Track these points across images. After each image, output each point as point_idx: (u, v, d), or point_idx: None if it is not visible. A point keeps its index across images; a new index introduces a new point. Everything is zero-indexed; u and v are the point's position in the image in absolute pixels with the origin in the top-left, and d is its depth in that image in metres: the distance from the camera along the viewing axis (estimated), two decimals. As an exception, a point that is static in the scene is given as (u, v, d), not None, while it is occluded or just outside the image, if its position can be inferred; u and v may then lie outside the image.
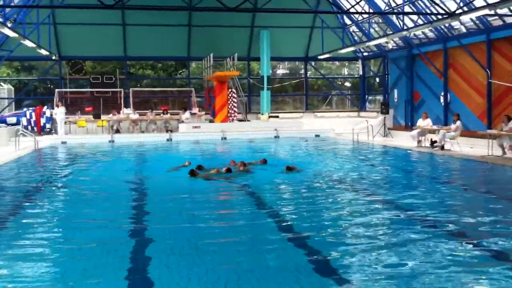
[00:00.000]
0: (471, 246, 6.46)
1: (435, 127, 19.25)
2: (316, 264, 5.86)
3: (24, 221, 8.12)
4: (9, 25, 21.62)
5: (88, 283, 5.34)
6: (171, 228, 7.63)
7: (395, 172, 13.93)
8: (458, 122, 17.71)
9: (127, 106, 27.98)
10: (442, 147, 17.77)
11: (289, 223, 7.87)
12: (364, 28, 27.51)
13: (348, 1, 26.18)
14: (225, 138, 24.10)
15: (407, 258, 5.94)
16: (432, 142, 18.38)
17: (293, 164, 13.52)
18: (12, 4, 22.36)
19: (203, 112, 28.30)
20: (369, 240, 6.73)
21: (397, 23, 23.83)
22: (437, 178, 12.56)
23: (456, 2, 18.99)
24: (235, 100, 27.39)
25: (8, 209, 9.00)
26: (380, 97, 30.56)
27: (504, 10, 17.58)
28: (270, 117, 28.84)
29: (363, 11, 24.33)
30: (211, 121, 27.13)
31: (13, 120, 25.06)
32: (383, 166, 15.12)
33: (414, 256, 6.02)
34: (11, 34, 18.55)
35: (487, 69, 19.46)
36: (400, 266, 5.69)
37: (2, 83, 29.42)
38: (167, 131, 25.67)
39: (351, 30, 29.45)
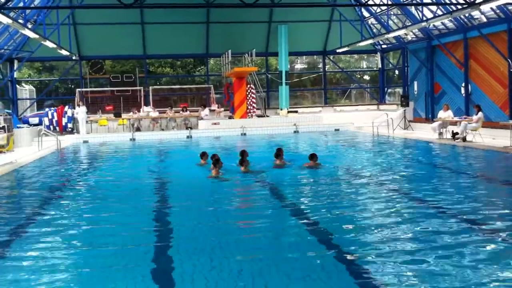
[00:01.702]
0: (497, 239, 6.39)
1: (456, 118, 19.06)
2: (340, 261, 5.85)
3: (47, 221, 8.21)
4: (29, 26, 21.95)
5: (112, 280, 5.42)
6: (193, 225, 7.71)
7: (418, 165, 13.79)
8: (480, 113, 17.51)
9: (147, 104, 28.19)
10: (464, 139, 17.58)
11: (312, 219, 7.84)
12: (382, 20, 27.28)
13: (366, -6, 25.99)
14: (244, 134, 24.15)
15: (434, 254, 5.89)
16: (454, 134, 18.19)
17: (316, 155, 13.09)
18: (32, 5, 22.64)
19: (222, 109, 28.40)
20: (395, 236, 6.67)
21: (416, 14, 23.59)
22: (460, 171, 12.45)
23: (476, -8, 18.75)
24: (253, 96, 27.41)
25: (32, 209, 9.14)
26: (399, 90, 30.32)
27: (526, -2, 17.29)
28: (289, 112, 28.80)
29: (381, 3, 24.15)
30: (230, 118, 27.19)
31: (36, 120, 25.42)
32: (406, 159, 15.00)
33: (442, 251, 5.96)
34: (32, 35, 18.78)
35: (508, 59, 19.17)
36: (426, 262, 5.66)
37: (23, 84, 29.85)
38: (186, 128, 25.79)
39: (369, 23, 29.23)
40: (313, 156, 12.69)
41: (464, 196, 9.15)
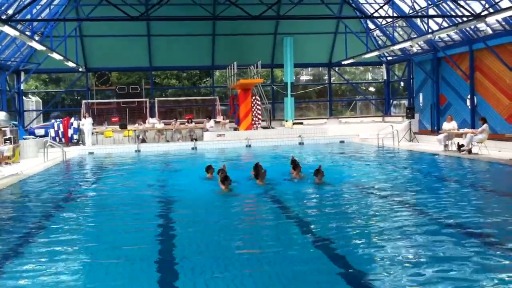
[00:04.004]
0: (504, 253, 6.33)
1: (461, 130, 18.99)
2: (344, 273, 5.83)
3: (51, 232, 8.17)
4: (36, 38, 22.11)
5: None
6: (198, 236, 7.67)
7: (425, 178, 13.61)
8: (485, 125, 17.42)
9: (152, 115, 28.30)
10: (470, 151, 17.50)
11: (317, 231, 7.81)
12: (388, 32, 27.35)
13: (371, 6, 26.07)
14: (249, 146, 24.14)
15: (439, 267, 5.85)
16: (459, 146, 18.12)
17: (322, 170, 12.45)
18: (40, 18, 22.82)
19: (228, 120, 28.45)
20: (403, 250, 6.61)
21: (422, 26, 23.64)
22: (466, 183, 12.35)
23: (481, 4, 18.77)
24: (259, 107, 27.46)
25: (37, 220, 9.12)
26: (405, 102, 30.31)
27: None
28: (294, 123, 28.81)
29: (386, 15, 24.19)
30: (235, 129, 27.22)
31: (42, 131, 25.55)
32: (412, 172, 14.88)
33: (447, 265, 5.91)
34: (39, 47, 18.91)
35: (514, 71, 19.17)
36: (430, 274, 5.62)
37: (30, 96, 30.01)
38: (192, 139, 25.84)
39: (374, 35, 29.31)
40: (318, 172, 12.11)
41: (471, 209, 9.05)
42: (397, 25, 26.85)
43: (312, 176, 12.21)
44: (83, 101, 28.07)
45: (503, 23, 19.42)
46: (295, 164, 12.92)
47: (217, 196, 11.09)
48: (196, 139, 25.74)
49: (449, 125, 19.32)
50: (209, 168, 13.28)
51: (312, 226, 8.28)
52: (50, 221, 9.01)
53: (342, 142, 25.36)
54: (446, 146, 19.16)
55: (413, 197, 10.57)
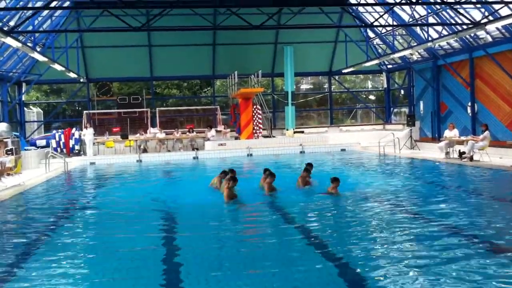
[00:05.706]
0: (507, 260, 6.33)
1: (462, 137, 19.01)
2: (348, 282, 5.82)
3: (54, 243, 8.18)
4: (38, 49, 22.18)
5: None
6: (200, 247, 7.65)
7: (427, 185, 13.61)
8: (486, 132, 17.44)
9: (153, 125, 28.33)
10: (471, 158, 17.50)
11: (321, 240, 7.79)
12: (388, 41, 27.42)
13: (371, 15, 26.16)
14: (251, 155, 24.15)
15: (442, 276, 5.83)
16: (461, 154, 18.12)
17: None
18: (41, 29, 22.91)
19: (229, 129, 28.46)
20: (408, 259, 6.56)
21: (422, 35, 23.71)
22: (469, 190, 12.34)
23: (481, 12, 18.85)
24: (260, 116, 27.49)
25: (39, 232, 9.10)
26: (405, 109, 30.34)
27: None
28: (295, 132, 28.82)
29: (386, 24, 24.26)
30: (236, 138, 27.24)
31: (43, 142, 25.56)
32: (414, 180, 14.86)
33: (452, 275, 5.88)
34: (41, 58, 18.99)
35: (514, 78, 19.19)
36: (432, 281, 5.60)
37: (31, 107, 30.07)
38: (193, 149, 25.85)
39: (374, 43, 29.38)
40: (334, 181, 11.69)
41: (475, 216, 9.08)
42: (397, 33, 26.92)
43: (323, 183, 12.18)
44: (84, 112, 28.12)
45: (503, 30, 19.48)
46: (307, 169, 12.83)
47: (223, 206, 10.91)
48: (197, 149, 25.74)
49: (450, 133, 19.33)
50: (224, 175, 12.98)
51: (321, 236, 8.19)
52: (52, 233, 8.97)
53: (343, 150, 25.35)
54: (447, 153, 19.16)
55: (421, 206, 10.37)
